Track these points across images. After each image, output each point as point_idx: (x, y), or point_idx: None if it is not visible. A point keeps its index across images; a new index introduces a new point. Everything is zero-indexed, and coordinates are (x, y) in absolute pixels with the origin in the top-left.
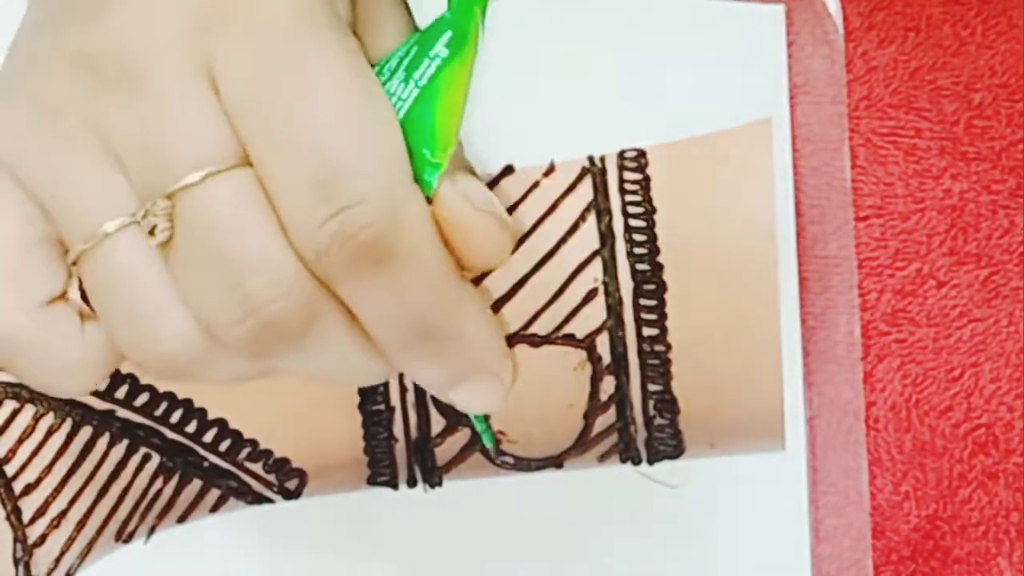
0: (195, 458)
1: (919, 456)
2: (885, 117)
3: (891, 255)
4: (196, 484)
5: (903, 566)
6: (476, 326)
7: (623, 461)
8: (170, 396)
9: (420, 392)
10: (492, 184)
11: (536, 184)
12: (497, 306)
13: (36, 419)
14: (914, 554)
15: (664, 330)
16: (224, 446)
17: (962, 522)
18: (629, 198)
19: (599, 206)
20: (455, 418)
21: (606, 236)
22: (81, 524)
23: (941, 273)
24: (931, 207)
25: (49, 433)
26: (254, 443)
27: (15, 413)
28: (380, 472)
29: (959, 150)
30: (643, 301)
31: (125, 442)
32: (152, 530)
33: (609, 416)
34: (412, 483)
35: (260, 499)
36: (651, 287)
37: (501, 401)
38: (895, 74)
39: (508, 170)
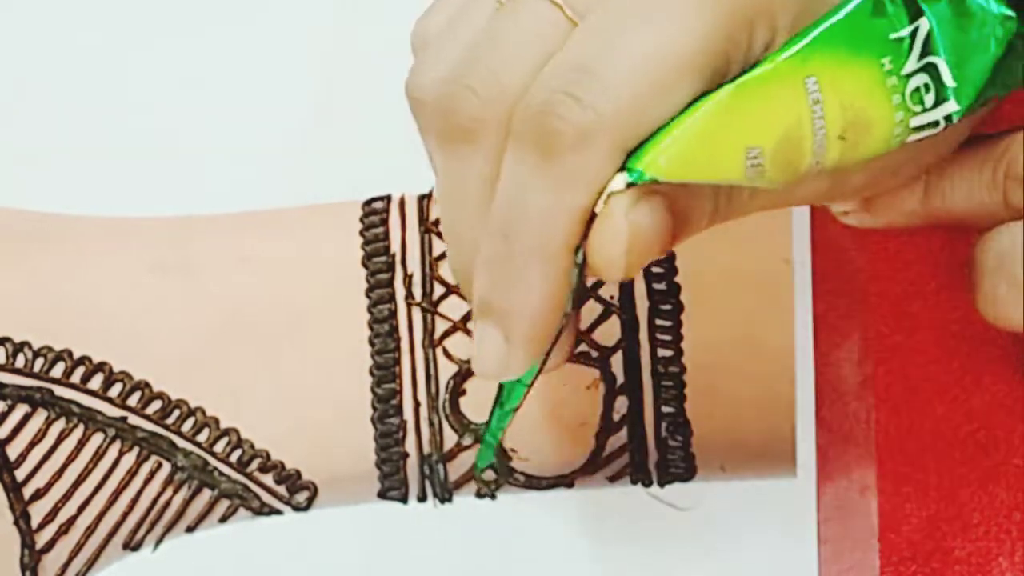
0: (206, 468)
1: (919, 457)
2: None
3: (891, 256)
4: (206, 494)
5: (904, 567)
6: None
7: (634, 482)
8: (183, 404)
9: (433, 407)
10: None
11: None
12: None
13: (47, 424)
14: (915, 554)
15: (679, 351)
16: (235, 456)
17: (963, 522)
18: None
19: None
20: (467, 434)
21: None
22: (90, 531)
23: (942, 274)
24: None
25: (60, 438)
26: (266, 454)
27: (27, 417)
28: (391, 486)
29: None
30: (659, 321)
31: (136, 450)
32: (161, 539)
33: (621, 436)
34: (422, 498)
35: (269, 510)
36: (667, 307)
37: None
38: None
39: None
